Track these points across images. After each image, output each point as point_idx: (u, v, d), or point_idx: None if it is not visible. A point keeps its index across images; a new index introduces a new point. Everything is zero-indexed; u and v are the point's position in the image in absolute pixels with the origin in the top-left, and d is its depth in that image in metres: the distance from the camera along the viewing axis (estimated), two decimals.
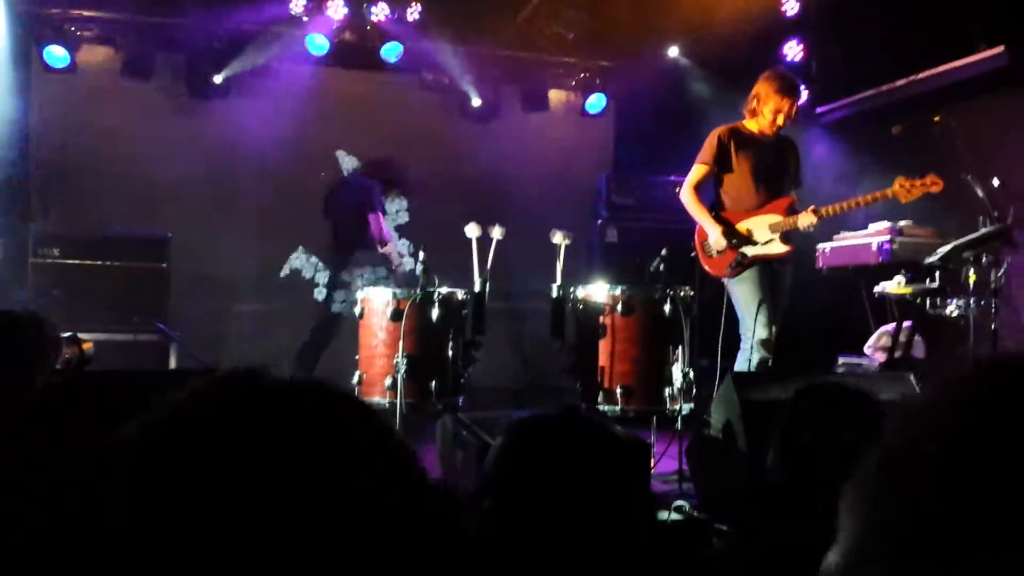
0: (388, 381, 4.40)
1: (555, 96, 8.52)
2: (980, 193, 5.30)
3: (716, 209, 5.31)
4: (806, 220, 5.05)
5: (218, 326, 7.74)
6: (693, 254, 5.30)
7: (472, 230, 4.74)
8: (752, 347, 5.03)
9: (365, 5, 7.41)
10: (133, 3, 7.13)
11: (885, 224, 5.66)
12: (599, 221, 7.60)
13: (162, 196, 7.50)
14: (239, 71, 7.75)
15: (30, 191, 7.34)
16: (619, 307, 4.59)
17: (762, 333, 5.00)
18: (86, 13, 7.35)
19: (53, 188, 7.28)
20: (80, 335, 5.78)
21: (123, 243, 6.49)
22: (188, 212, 7.55)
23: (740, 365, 5.11)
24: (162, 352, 6.30)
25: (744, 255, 5.14)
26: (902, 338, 5.62)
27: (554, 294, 4.74)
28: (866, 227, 5.94)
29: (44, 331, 2.90)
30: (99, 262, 6.33)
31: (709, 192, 5.43)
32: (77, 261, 6.32)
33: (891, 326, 5.80)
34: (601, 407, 4.59)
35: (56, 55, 7.36)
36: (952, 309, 5.29)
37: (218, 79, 7.76)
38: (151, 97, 7.73)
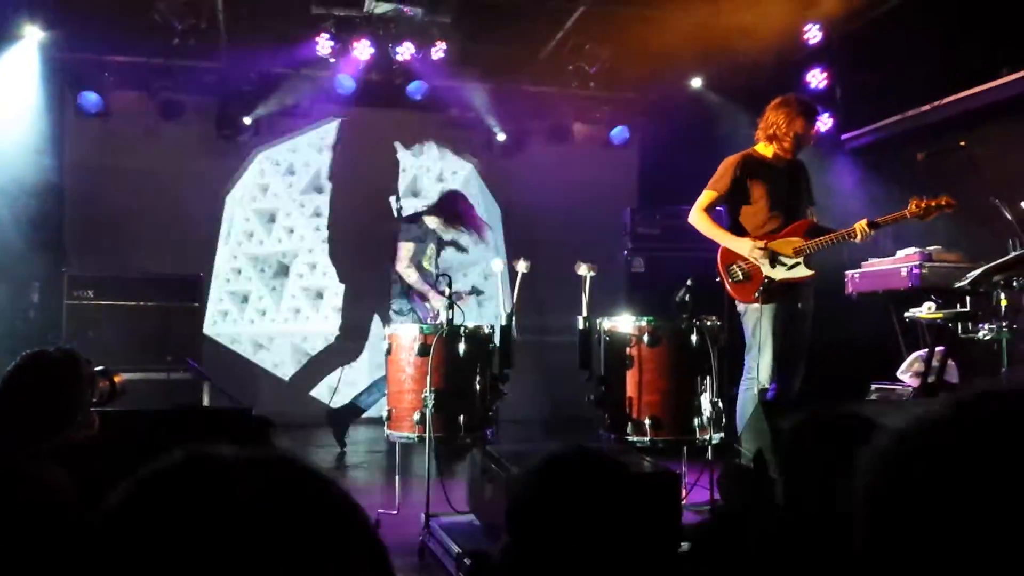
0: (416, 416, 4.41)
1: (579, 129, 8.59)
2: (1008, 216, 5.26)
3: (735, 235, 5.32)
4: (861, 234, 5.05)
5: (251, 364, 7.84)
6: (718, 279, 5.30)
7: (497, 265, 4.76)
8: (752, 380, 5.03)
9: (391, 45, 7.52)
10: (166, 48, 7.29)
11: (914, 249, 5.62)
12: (625, 252, 7.61)
13: (194, 236, 7.63)
14: (270, 112, 7.89)
15: (64, 234, 7.49)
16: (646, 338, 4.59)
17: (763, 375, 4.99)
18: (119, 59, 7.52)
19: (87, 230, 7.42)
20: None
21: (156, 283, 6.59)
22: (226, 253, 7.69)
23: (741, 395, 5.10)
24: (195, 391, 6.36)
25: (771, 279, 5.12)
26: (935, 363, 5.55)
27: (580, 326, 4.74)
28: (894, 253, 5.90)
29: (79, 367, 2.93)
30: (133, 302, 6.44)
31: (720, 219, 5.44)
32: (111, 302, 6.42)
33: (924, 351, 5.74)
34: (630, 438, 4.57)
35: (89, 100, 7.53)
36: (984, 333, 5.23)
37: (248, 120, 7.90)
38: (182, 139, 7.88)
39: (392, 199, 6.90)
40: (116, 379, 3.50)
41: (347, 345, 8.18)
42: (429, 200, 7.11)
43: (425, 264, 6.49)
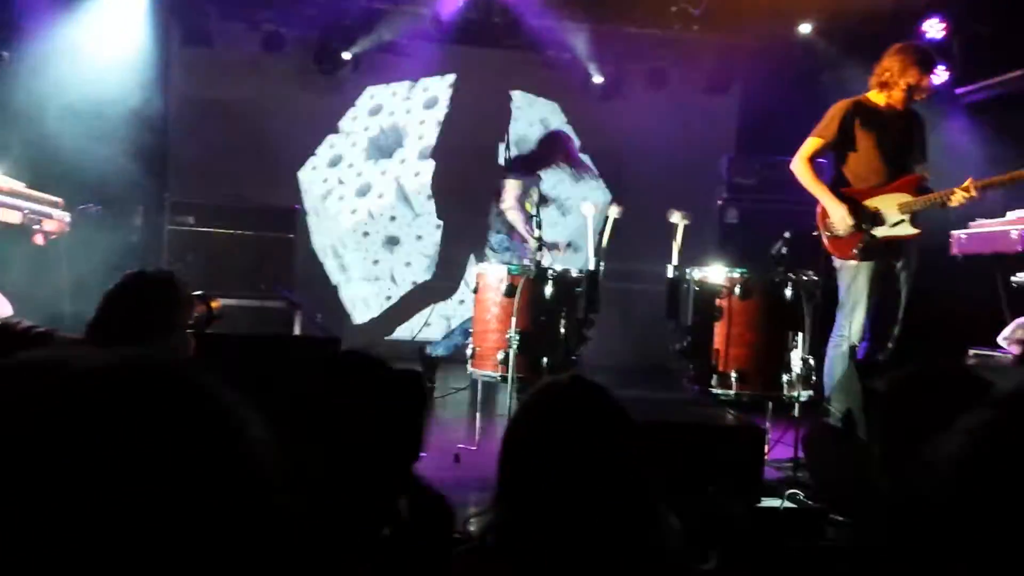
0: (500, 355, 4.44)
1: (679, 73, 8.37)
2: None
3: (838, 187, 5.12)
4: (960, 197, 4.83)
5: (339, 296, 7.99)
6: (816, 233, 5.14)
7: (588, 208, 4.71)
8: (843, 338, 4.87)
9: None
10: None
11: None
12: (719, 202, 7.45)
13: (292, 169, 7.76)
14: (368, 48, 7.91)
15: (168, 162, 7.68)
16: (737, 289, 4.50)
17: (855, 334, 4.83)
18: None
19: (190, 159, 7.59)
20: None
21: (254, 213, 6.74)
22: (322, 188, 7.82)
23: (830, 352, 4.96)
24: (287, 319, 6.51)
25: (873, 236, 4.96)
26: None
27: (670, 274, 4.67)
28: (1004, 215, 5.63)
29: (177, 289, 3.00)
30: (231, 231, 6.60)
31: (826, 170, 5.25)
32: (210, 229, 6.59)
33: None
34: (715, 390, 4.51)
35: (194, 29, 7.66)
36: None
37: (347, 55, 7.93)
38: (283, 71, 7.97)
39: (502, 145, 6.85)
40: (213, 304, 3.58)
41: (442, 284, 8.26)
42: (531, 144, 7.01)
43: (528, 207, 6.42)
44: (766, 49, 7.81)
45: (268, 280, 6.50)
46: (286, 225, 6.81)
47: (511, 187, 6.17)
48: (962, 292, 6.10)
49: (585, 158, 7.72)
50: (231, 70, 7.83)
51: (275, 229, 6.78)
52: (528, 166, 6.35)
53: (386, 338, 7.97)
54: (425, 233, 8.34)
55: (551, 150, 6.43)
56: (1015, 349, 5.52)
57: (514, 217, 6.19)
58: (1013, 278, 5.32)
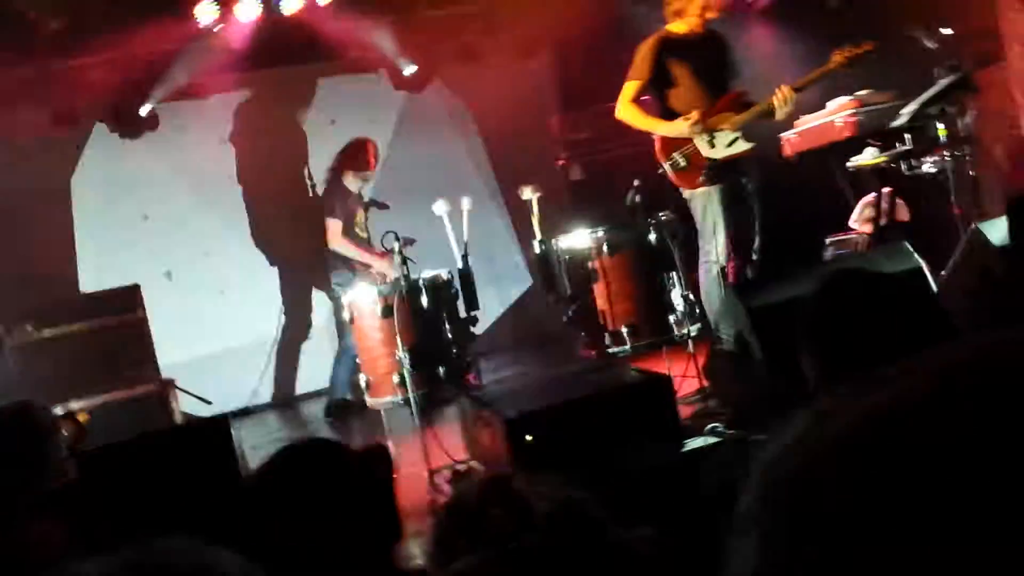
0: (396, 378, 4.34)
1: (486, 47, 8.32)
2: (929, 45, 5.24)
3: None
4: (779, 104, 4.97)
5: (214, 360, 7.67)
6: (661, 171, 5.22)
7: (440, 207, 4.62)
8: (711, 263, 5.01)
9: (274, 1, 7.17)
10: (45, 52, 6.88)
11: (845, 98, 5.58)
12: (560, 163, 7.49)
13: (119, 244, 7.35)
14: (165, 96, 7.54)
15: None
16: (605, 248, 4.53)
17: (721, 256, 4.97)
18: None
19: (6, 264, 7.04)
20: (75, 404, 5.68)
21: (95, 301, 6.34)
22: (152, 253, 7.44)
23: (702, 278, 5.08)
24: (162, 401, 6.19)
25: (713, 160, 5.08)
26: (884, 205, 5.59)
27: (537, 249, 4.66)
28: (824, 107, 5.86)
29: (38, 421, 2.80)
30: (76, 326, 6.18)
31: (651, 110, 5.32)
32: (54, 331, 6.17)
33: (871, 196, 5.76)
34: (611, 349, 4.54)
35: None
36: (928, 167, 5.25)
37: (144, 111, 7.55)
38: (83, 145, 7.52)
39: (305, 173, 6.74)
40: (80, 418, 3.38)
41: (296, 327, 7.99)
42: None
43: (358, 232, 6.38)
44: (568, 5, 7.84)
45: (131, 366, 6.15)
46: (130, 304, 6.43)
47: (331, 226, 6.15)
48: (806, 189, 6.34)
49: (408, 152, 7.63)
50: (25, 155, 7.31)
51: (120, 311, 6.39)
52: (340, 197, 6.30)
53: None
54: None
55: (356, 161, 6.36)
56: (867, 228, 5.79)
57: (346, 251, 6.16)
58: (849, 163, 5.56)
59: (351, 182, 6.38)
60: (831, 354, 2.14)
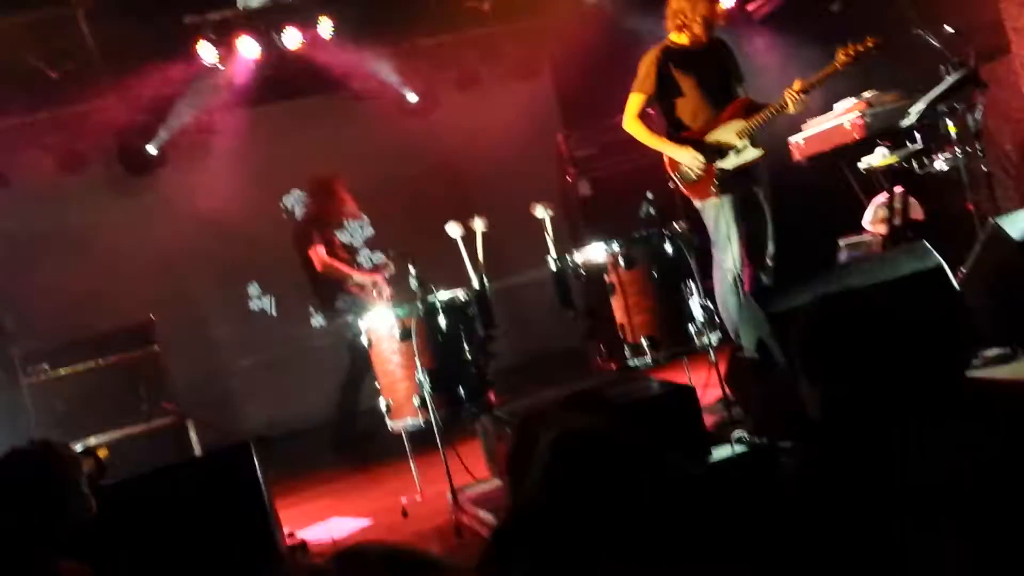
0: (416, 400, 4.31)
1: (488, 70, 8.35)
2: (935, 43, 5.22)
3: (674, 133, 5.22)
4: (792, 102, 4.97)
5: (227, 390, 7.66)
6: (671, 183, 5.22)
7: (454, 229, 4.60)
8: (726, 271, 5.00)
9: (274, 36, 7.21)
10: (49, 99, 6.94)
11: (852, 100, 5.56)
12: (569, 179, 7.49)
13: (133, 281, 7.36)
14: (170, 136, 7.58)
15: None
16: (621, 262, 4.50)
17: (734, 264, 4.97)
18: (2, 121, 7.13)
19: (22, 304, 7.06)
20: (93, 439, 5.68)
21: (109, 338, 6.34)
22: (165, 289, 7.45)
23: (718, 287, 5.06)
24: (180, 433, 6.19)
25: (724, 170, 5.07)
26: (898, 205, 5.55)
27: (553, 267, 4.64)
28: (831, 109, 5.84)
29: (61, 460, 2.80)
30: (92, 363, 6.19)
31: (658, 121, 5.33)
32: (70, 369, 6.18)
33: (883, 196, 5.73)
34: (631, 363, 4.51)
35: None
36: (940, 164, 5.22)
37: (152, 150, 7.59)
38: (92, 186, 7.57)
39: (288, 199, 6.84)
40: (100, 454, 3.38)
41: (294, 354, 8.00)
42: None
43: (339, 253, 6.41)
44: (564, 24, 7.87)
45: (147, 401, 6.15)
46: (146, 339, 6.44)
47: (315, 253, 6.15)
48: (817, 193, 6.32)
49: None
50: (36, 201, 7.37)
51: (136, 347, 6.40)
52: (320, 224, 6.35)
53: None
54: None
55: (326, 202, 6.41)
56: (882, 228, 5.76)
57: (333, 272, 6.14)
58: (861, 164, 5.53)
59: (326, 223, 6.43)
60: (827, 376, 2.10)
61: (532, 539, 1.73)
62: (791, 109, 5.01)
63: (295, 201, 8.07)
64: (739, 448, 3.85)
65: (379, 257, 7.74)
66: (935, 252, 4.17)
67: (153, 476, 3.73)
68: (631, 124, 5.24)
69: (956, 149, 5.15)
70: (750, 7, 7.61)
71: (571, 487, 1.73)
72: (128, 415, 6.10)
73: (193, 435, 6.22)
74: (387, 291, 6.21)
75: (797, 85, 5.00)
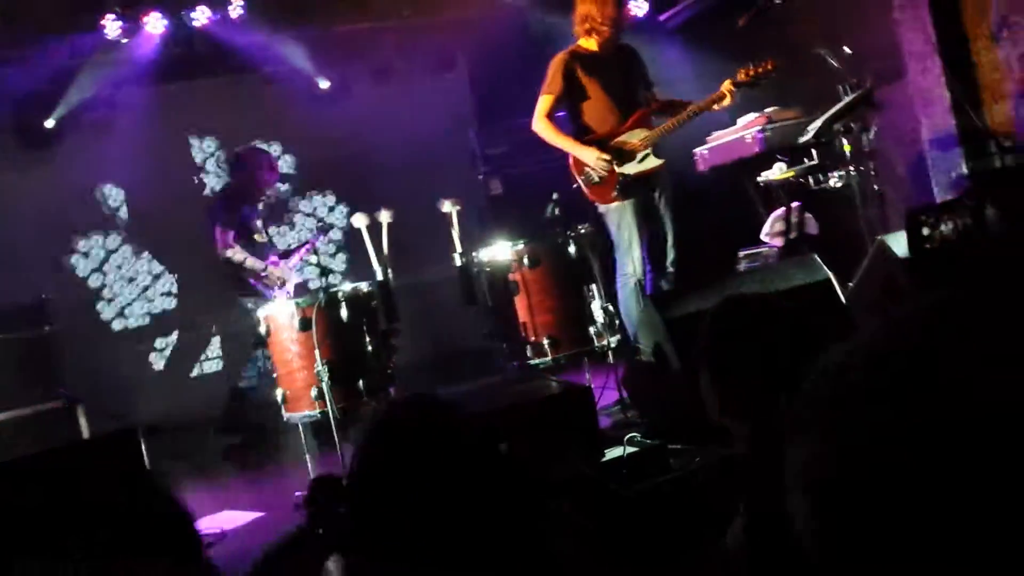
0: (314, 392, 4.28)
1: (403, 62, 8.31)
2: (835, 63, 5.43)
3: (580, 136, 5.28)
4: (727, 98, 5.10)
5: (121, 377, 7.45)
6: (575, 185, 5.29)
7: (359, 219, 4.58)
8: (627, 276, 5.09)
9: (184, 13, 7.04)
10: None
11: (754, 115, 5.75)
12: (480, 176, 7.51)
13: (25, 257, 7.10)
14: (70, 110, 7.32)
15: None
16: (525, 261, 4.56)
17: (637, 269, 5.05)
18: None
19: None
20: None
21: None
22: (59, 268, 7.21)
23: (620, 292, 5.17)
24: (70, 417, 5.99)
25: (626, 175, 5.16)
26: (794, 219, 5.75)
27: (458, 262, 4.66)
28: (735, 123, 6.02)
29: None
30: None
31: (564, 125, 5.40)
32: None
33: (781, 210, 5.93)
34: (532, 361, 4.57)
35: None
36: (835, 181, 5.43)
37: (50, 124, 7.33)
38: None
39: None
40: None
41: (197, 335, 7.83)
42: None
43: (257, 239, 6.09)
44: (481, 20, 7.89)
45: (38, 382, 5.94)
46: (38, 319, 6.22)
47: (220, 235, 5.88)
48: (718, 203, 6.50)
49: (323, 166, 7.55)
50: None
51: (27, 327, 6.17)
52: (233, 205, 6.08)
53: None
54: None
55: (250, 176, 6.20)
56: (778, 241, 5.95)
57: (237, 257, 5.85)
58: (759, 178, 5.71)
59: (245, 197, 6.18)
60: (726, 374, 2.22)
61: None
62: (728, 100, 5.14)
63: (211, 172, 7.89)
64: (631, 449, 3.94)
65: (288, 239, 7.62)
66: (824, 266, 4.35)
67: (38, 457, 3.62)
68: (539, 124, 5.29)
69: (850, 167, 5.36)
70: (662, 17, 7.76)
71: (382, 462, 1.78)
72: (15, 397, 5.88)
73: (83, 421, 6.03)
74: (290, 280, 6.03)
75: (730, 82, 5.14)
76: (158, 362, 7.70)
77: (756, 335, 2.15)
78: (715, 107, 5.18)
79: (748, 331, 2.19)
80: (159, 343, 7.72)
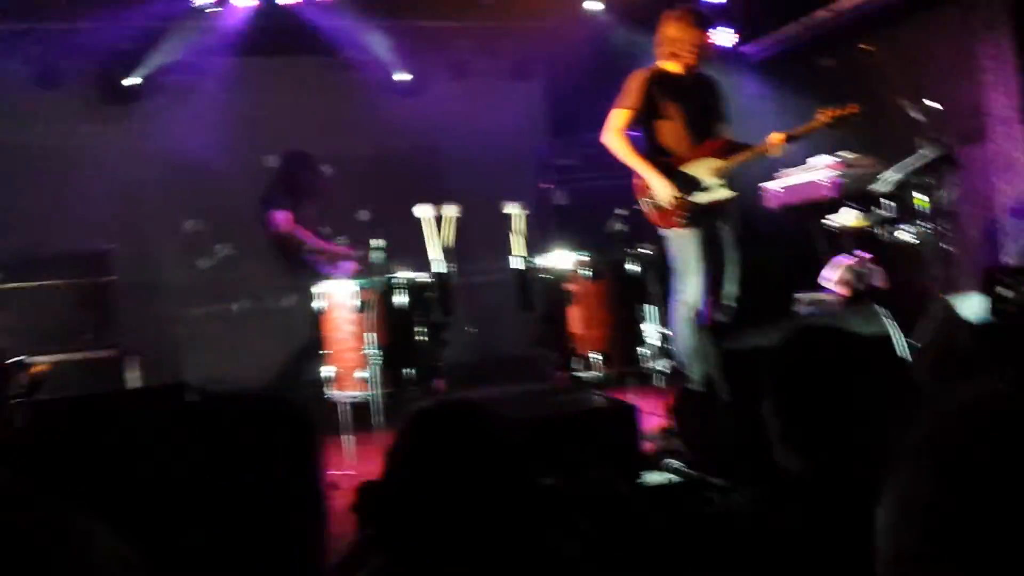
0: (361, 373, 4.30)
1: (481, 63, 8.37)
2: (917, 116, 5.36)
3: (652, 157, 5.22)
4: (771, 148, 5.04)
5: (174, 335, 7.56)
6: (639, 206, 5.25)
7: (424, 210, 4.61)
8: (682, 303, 5.03)
9: None
10: (33, 11, 6.79)
11: (828, 158, 5.68)
12: (549, 186, 7.52)
13: (94, 209, 7.23)
14: (152, 71, 7.46)
15: None
16: (586, 272, 4.55)
17: (692, 298, 4.99)
18: None
19: None
20: (33, 358, 5.59)
21: (63, 260, 6.24)
22: (125, 223, 7.33)
23: (674, 317, 5.11)
24: (117, 368, 6.09)
25: (694, 203, 5.11)
26: (863, 269, 5.67)
27: (518, 265, 4.67)
28: (804, 162, 5.95)
29: None
30: (41, 282, 6.08)
31: (638, 142, 5.34)
32: (18, 284, 6.06)
33: (846, 258, 5.85)
34: (579, 374, 4.56)
35: None
36: (907, 235, 5.35)
37: (129, 82, 7.47)
38: (65, 108, 7.41)
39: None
40: (35, 370, 3.34)
41: (264, 313, 7.89)
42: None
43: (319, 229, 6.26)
44: (563, 30, 7.92)
45: (92, 329, 6.05)
46: (100, 269, 6.33)
47: (281, 219, 6.00)
48: (780, 241, 6.44)
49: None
50: (7, 111, 7.19)
51: (89, 274, 6.30)
52: (290, 189, 6.22)
53: None
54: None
55: (301, 177, 6.30)
56: (840, 289, 5.87)
57: (298, 234, 5.99)
58: (826, 221, 5.65)
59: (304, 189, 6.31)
60: (793, 406, 2.17)
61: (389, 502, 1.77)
62: (770, 154, 5.08)
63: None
64: (671, 477, 3.91)
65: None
66: (885, 320, 4.29)
67: (90, 399, 3.68)
68: (612, 137, 5.20)
69: (923, 223, 5.28)
70: (745, 49, 7.73)
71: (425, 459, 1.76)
72: (69, 340, 5.99)
73: (129, 374, 6.13)
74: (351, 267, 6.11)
75: (778, 136, 5.07)
76: (215, 326, 7.79)
77: (831, 366, 2.11)
78: (765, 152, 5.12)
79: (824, 361, 2.15)
80: (216, 309, 7.81)
